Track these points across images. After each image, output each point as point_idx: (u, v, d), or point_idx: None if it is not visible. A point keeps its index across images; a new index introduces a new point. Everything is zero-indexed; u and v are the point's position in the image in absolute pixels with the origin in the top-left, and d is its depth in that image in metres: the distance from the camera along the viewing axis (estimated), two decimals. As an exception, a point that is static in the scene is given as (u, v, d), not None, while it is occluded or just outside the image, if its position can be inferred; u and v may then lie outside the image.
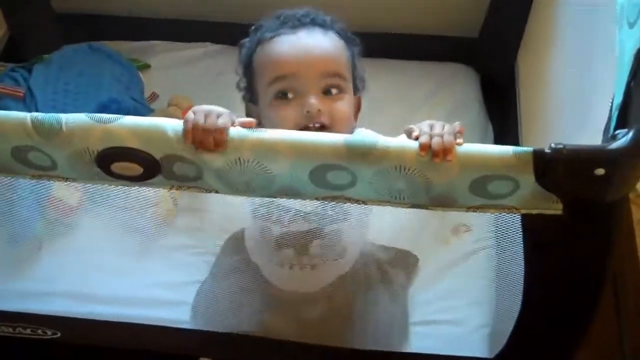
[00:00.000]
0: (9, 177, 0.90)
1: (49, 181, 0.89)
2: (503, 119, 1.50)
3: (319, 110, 0.99)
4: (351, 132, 1.05)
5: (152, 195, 1.04)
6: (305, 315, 1.15)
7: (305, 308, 1.15)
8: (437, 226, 1.34)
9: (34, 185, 1.12)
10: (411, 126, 0.83)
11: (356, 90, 1.09)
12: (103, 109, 1.45)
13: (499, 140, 1.46)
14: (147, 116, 1.44)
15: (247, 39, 1.09)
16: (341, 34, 1.07)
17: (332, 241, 1.06)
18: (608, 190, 0.77)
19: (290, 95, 1.01)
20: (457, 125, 0.81)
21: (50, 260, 1.34)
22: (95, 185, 0.89)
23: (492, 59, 1.56)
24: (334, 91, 1.01)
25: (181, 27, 1.70)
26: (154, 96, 1.61)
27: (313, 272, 1.09)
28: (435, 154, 0.77)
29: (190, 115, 0.81)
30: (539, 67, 1.35)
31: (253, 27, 1.09)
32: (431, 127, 0.80)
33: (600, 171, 0.74)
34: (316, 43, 1.03)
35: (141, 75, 1.65)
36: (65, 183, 0.89)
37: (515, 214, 0.84)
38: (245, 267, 1.15)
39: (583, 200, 0.79)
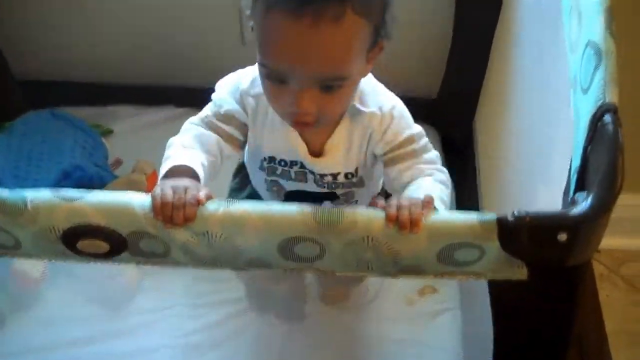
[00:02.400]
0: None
1: (12, 258, 0.88)
2: (464, 178, 1.52)
3: (309, 109, 0.89)
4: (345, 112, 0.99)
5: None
6: None
7: None
8: (402, 287, 1.36)
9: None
10: (377, 196, 0.83)
11: (379, 39, 0.91)
12: (66, 175, 1.45)
13: (459, 200, 1.48)
14: (110, 182, 1.47)
15: None
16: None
17: (345, 201, 1.05)
18: (571, 255, 0.78)
19: (284, 85, 0.88)
20: (426, 197, 0.81)
21: (14, 335, 1.31)
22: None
23: (451, 118, 1.59)
24: (335, 88, 0.88)
25: (143, 91, 1.72)
26: (117, 162, 1.61)
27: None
28: (402, 226, 0.77)
29: (157, 190, 0.81)
30: (496, 127, 1.38)
31: None
32: (398, 201, 0.79)
33: (563, 236, 0.76)
34: (319, 43, 0.83)
35: (104, 140, 1.65)
36: (29, 260, 0.88)
37: (482, 280, 0.85)
38: None
39: (547, 265, 0.80)
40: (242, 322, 1.35)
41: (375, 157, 1.03)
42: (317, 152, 1.01)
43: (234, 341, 1.33)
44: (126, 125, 1.69)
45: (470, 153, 1.51)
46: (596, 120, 0.79)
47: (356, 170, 1.03)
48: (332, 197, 1.06)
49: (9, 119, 1.61)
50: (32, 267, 1.34)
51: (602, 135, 0.77)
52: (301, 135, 1.00)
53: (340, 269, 0.84)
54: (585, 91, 0.83)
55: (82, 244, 0.82)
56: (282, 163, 1.03)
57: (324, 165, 1.02)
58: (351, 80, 0.90)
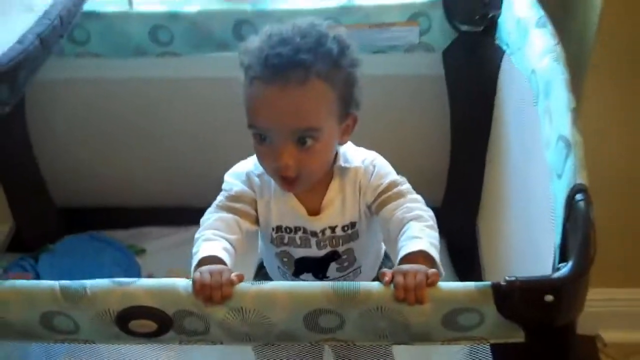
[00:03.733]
0: (35, 342, 1.00)
1: (72, 344, 1.00)
2: (471, 277, 1.64)
3: (288, 164, 1.04)
4: (329, 167, 1.13)
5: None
6: None
7: None
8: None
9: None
10: (384, 270, 0.95)
11: (349, 111, 1.09)
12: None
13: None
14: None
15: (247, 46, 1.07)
16: (327, 67, 1.03)
17: (347, 260, 1.16)
18: (558, 314, 0.90)
19: (266, 141, 1.05)
20: (431, 272, 0.92)
21: None
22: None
23: (456, 224, 1.72)
24: (308, 142, 1.04)
25: (172, 213, 1.87)
26: (149, 276, 1.74)
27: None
28: (410, 302, 0.89)
29: (196, 275, 0.94)
30: (494, 224, 1.51)
31: (246, 46, 1.07)
32: (404, 275, 0.91)
33: (549, 297, 0.88)
34: (288, 102, 1.01)
35: (137, 259, 1.79)
36: (86, 345, 1.00)
37: (485, 344, 0.96)
38: None
39: (539, 325, 0.92)
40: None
41: (369, 210, 1.15)
42: (315, 212, 1.15)
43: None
44: (158, 245, 1.84)
45: (474, 253, 1.63)
46: (570, 200, 0.93)
47: (352, 223, 1.16)
48: (335, 256, 1.18)
49: (50, 242, 1.76)
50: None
51: (576, 212, 0.91)
52: (299, 199, 1.14)
53: (360, 338, 0.95)
54: (559, 177, 0.97)
55: (133, 324, 0.94)
56: (288, 230, 1.16)
57: (322, 222, 1.15)
58: (322, 138, 1.05)
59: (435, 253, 1.01)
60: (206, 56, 1.58)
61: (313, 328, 0.94)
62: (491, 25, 1.44)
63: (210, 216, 1.14)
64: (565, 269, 0.88)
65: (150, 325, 0.94)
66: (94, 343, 0.99)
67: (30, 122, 1.72)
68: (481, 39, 1.48)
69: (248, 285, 0.94)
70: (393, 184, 1.14)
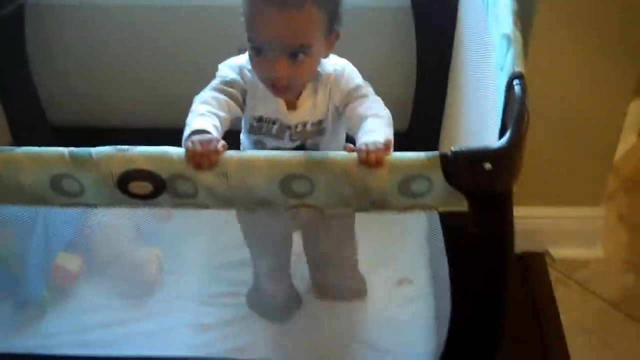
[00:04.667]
0: (43, 207, 1.14)
1: (75, 208, 1.14)
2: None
3: (281, 75, 1.20)
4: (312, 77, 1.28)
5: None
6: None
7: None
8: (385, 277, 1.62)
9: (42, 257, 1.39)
10: (347, 144, 1.11)
11: (333, 27, 1.24)
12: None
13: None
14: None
15: None
16: None
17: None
18: (496, 181, 1.06)
19: (261, 54, 1.20)
20: (386, 140, 1.10)
21: (54, 320, 1.56)
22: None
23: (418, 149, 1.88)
24: (300, 56, 1.19)
25: (165, 134, 1.99)
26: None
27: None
28: (370, 165, 1.05)
29: (189, 144, 1.08)
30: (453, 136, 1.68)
31: None
32: (366, 144, 1.08)
33: (488, 165, 1.03)
34: (286, 22, 1.16)
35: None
36: (89, 209, 1.14)
37: (434, 212, 1.12)
38: None
39: (480, 193, 1.08)
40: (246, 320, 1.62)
41: (337, 110, 1.32)
42: (292, 108, 1.31)
43: (240, 322, 1.58)
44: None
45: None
46: (509, 86, 1.09)
47: (320, 121, 1.32)
48: (303, 149, 1.33)
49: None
50: (70, 262, 1.60)
51: (513, 95, 1.07)
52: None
53: (327, 203, 1.10)
54: (502, 69, 1.13)
55: (132, 186, 1.09)
56: (267, 121, 1.31)
57: (296, 117, 1.31)
58: (312, 53, 1.20)
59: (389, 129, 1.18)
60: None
61: (288, 192, 1.09)
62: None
63: (206, 94, 1.27)
64: (502, 140, 1.03)
65: (147, 187, 1.09)
66: (97, 207, 1.14)
67: (28, 42, 1.84)
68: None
69: (232, 153, 1.09)
70: (358, 87, 1.30)
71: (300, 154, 1.07)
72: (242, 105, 1.31)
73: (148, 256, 1.66)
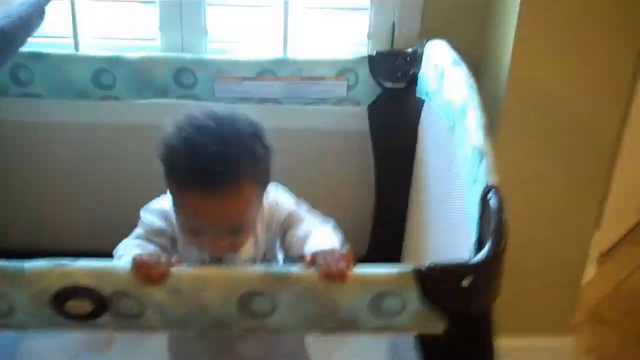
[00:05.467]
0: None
1: (3, 331, 1.01)
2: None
3: (222, 251, 1.14)
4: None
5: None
6: None
7: None
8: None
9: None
10: (304, 253, 1.02)
11: (266, 185, 1.17)
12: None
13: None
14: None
15: (167, 139, 1.10)
16: (253, 168, 1.09)
17: None
18: (476, 297, 0.97)
19: (200, 235, 1.11)
20: (345, 250, 1.01)
21: None
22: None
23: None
24: (241, 229, 1.13)
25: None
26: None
27: None
28: (333, 277, 0.96)
29: (136, 255, 0.98)
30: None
31: (168, 141, 1.10)
32: (323, 254, 0.99)
33: (467, 281, 0.95)
34: (224, 209, 1.08)
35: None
36: (19, 332, 1.01)
37: (410, 334, 1.02)
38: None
39: (459, 311, 0.98)
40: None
41: (277, 243, 1.24)
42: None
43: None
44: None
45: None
46: (484, 199, 1.02)
47: (265, 256, 1.25)
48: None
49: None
50: None
51: (489, 208, 1.00)
52: None
53: (291, 325, 0.99)
54: (474, 182, 1.07)
55: (69, 305, 0.97)
56: (212, 260, 1.17)
57: (241, 258, 1.20)
58: (252, 220, 1.15)
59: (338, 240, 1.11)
60: (146, 102, 1.65)
61: (246, 313, 0.98)
62: (412, 81, 1.58)
63: (130, 242, 1.18)
64: (481, 253, 0.96)
65: (86, 307, 0.97)
66: (27, 329, 1.00)
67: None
68: (403, 94, 1.61)
69: (185, 267, 0.98)
70: (291, 213, 1.23)
71: (261, 268, 0.98)
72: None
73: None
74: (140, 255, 0.98)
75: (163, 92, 1.63)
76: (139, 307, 0.98)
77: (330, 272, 0.96)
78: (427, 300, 0.97)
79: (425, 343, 1.04)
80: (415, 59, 1.56)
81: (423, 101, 1.52)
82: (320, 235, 1.14)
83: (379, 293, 0.97)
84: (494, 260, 0.96)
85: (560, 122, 1.56)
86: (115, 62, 1.60)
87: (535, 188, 1.64)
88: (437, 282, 0.96)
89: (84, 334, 1.56)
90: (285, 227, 1.22)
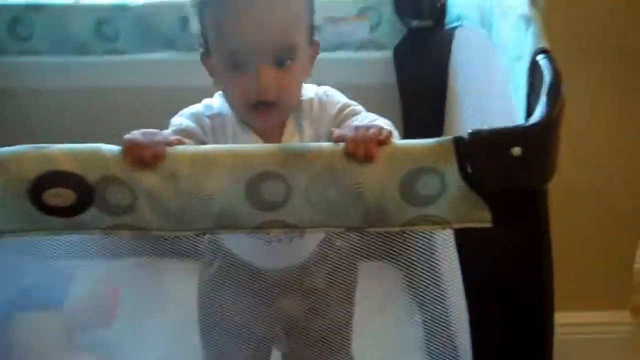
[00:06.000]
0: None
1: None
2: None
3: (269, 86, 0.98)
4: (299, 99, 1.06)
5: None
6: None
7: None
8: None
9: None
10: (335, 130, 0.87)
11: (313, 37, 1.06)
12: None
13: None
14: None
15: None
16: None
17: None
18: (527, 174, 0.81)
19: (242, 68, 0.98)
20: (385, 131, 0.84)
21: None
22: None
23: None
24: (287, 62, 0.99)
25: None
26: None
27: (300, 240, 1.09)
28: (358, 156, 0.81)
29: (127, 135, 0.84)
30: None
31: None
32: (355, 129, 0.84)
33: (517, 150, 0.79)
34: (269, 15, 0.97)
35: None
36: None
37: (447, 228, 0.86)
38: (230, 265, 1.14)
39: (506, 194, 0.82)
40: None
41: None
42: None
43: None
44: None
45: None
46: (533, 64, 0.87)
47: None
48: None
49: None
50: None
51: (539, 72, 0.85)
52: (260, 136, 1.05)
53: (308, 216, 0.84)
54: (518, 58, 0.92)
55: (48, 195, 0.82)
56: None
57: None
58: (300, 57, 1.01)
59: (392, 128, 0.93)
60: (152, 58, 1.54)
61: (256, 202, 0.83)
62: (441, 16, 1.44)
63: None
64: (534, 117, 0.80)
65: (68, 196, 0.82)
66: (2, 233, 0.86)
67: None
68: (431, 33, 1.48)
69: (184, 148, 0.84)
70: (346, 106, 1.08)
71: (274, 146, 0.83)
72: None
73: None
74: (130, 134, 0.83)
75: (169, 44, 1.51)
76: (129, 198, 0.83)
77: (355, 148, 0.81)
78: (469, 179, 0.81)
79: (467, 246, 0.87)
80: (442, -11, 1.43)
81: (454, 30, 1.38)
82: (368, 117, 0.99)
83: (413, 170, 0.81)
84: (549, 125, 0.80)
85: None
86: (118, 11, 1.50)
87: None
88: (481, 152, 0.80)
89: (83, 306, 1.43)
90: (337, 120, 1.06)
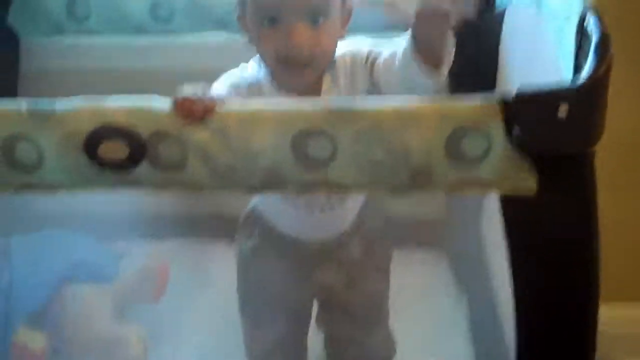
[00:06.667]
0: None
1: (30, 193, 0.89)
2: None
3: (302, 43, 1.01)
4: (332, 59, 1.08)
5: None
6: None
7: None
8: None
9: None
10: None
11: (346, 4, 1.08)
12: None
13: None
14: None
15: None
16: None
17: None
18: (575, 136, 0.81)
19: (276, 24, 1.01)
20: None
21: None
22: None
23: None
24: (320, 19, 1.02)
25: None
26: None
27: (341, 210, 1.13)
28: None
29: (177, 93, 0.86)
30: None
31: None
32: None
33: (564, 109, 0.79)
34: None
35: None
36: (47, 195, 0.89)
37: (492, 191, 0.86)
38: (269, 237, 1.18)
39: (551, 154, 0.82)
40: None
41: (371, 87, 1.08)
42: None
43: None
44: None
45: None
46: (581, 25, 0.87)
47: None
48: None
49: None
50: (32, 340, 1.30)
51: (586, 32, 0.85)
52: (298, 93, 1.07)
53: (354, 177, 0.85)
54: (567, 18, 0.92)
55: (103, 148, 0.85)
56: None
57: None
58: (332, 15, 1.03)
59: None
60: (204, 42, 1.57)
61: (302, 159, 0.84)
62: (491, 1, 1.44)
63: None
64: (581, 76, 0.80)
65: (122, 150, 0.85)
66: (57, 188, 0.89)
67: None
68: (481, 17, 1.47)
69: (232, 104, 0.86)
70: (373, 49, 1.08)
71: (317, 102, 0.84)
72: None
73: (130, 337, 1.35)
74: (179, 94, 0.85)
75: (222, 25, 1.54)
76: (180, 153, 0.85)
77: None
78: (515, 139, 0.81)
79: (513, 215, 0.86)
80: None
81: (503, 12, 1.37)
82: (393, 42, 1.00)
83: (458, 129, 0.82)
84: (596, 83, 0.79)
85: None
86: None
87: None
88: (528, 111, 0.80)
89: (132, 282, 1.47)
90: (370, 62, 1.07)
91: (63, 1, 1.54)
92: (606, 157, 0.86)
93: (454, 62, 1.54)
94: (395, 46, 1.01)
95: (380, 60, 1.05)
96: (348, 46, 1.11)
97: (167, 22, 1.55)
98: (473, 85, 1.48)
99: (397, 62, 0.98)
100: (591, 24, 0.84)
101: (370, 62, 1.07)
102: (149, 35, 1.56)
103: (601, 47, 0.80)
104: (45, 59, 1.57)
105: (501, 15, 1.38)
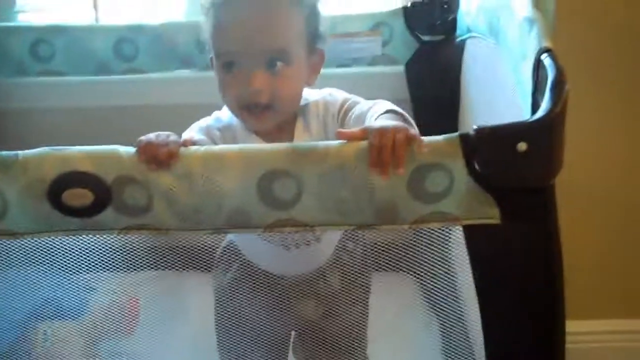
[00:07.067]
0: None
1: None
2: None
3: (259, 89, 1.01)
4: (297, 104, 1.08)
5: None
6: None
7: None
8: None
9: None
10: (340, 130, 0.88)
11: (315, 46, 1.08)
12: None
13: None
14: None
15: None
16: None
17: None
18: (534, 170, 0.82)
19: (234, 69, 1.02)
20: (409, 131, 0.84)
21: None
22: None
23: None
24: (279, 64, 1.01)
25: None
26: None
27: (318, 245, 1.13)
28: (384, 162, 0.82)
29: (141, 137, 0.86)
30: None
31: None
32: (380, 134, 0.83)
33: (522, 146, 0.81)
34: (259, 19, 1.00)
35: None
36: (11, 240, 0.89)
37: (457, 225, 0.87)
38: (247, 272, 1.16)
39: (512, 189, 0.84)
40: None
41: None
42: None
43: None
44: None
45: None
46: (537, 64, 0.89)
47: None
48: None
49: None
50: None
51: (543, 70, 0.87)
52: (269, 142, 1.05)
53: (319, 214, 0.86)
54: (524, 57, 0.94)
55: (67, 195, 0.85)
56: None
57: None
58: (293, 61, 1.03)
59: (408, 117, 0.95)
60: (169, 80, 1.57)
61: (268, 200, 0.85)
62: (452, 29, 1.47)
63: None
64: (537, 113, 0.82)
65: (86, 196, 0.85)
66: (22, 234, 0.88)
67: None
68: (443, 46, 1.50)
69: (196, 148, 0.86)
70: (346, 100, 1.09)
71: (282, 144, 0.85)
72: None
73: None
74: (145, 136, 0.86)
75: (186, 62, 1.55)
76: (145, 198, 0.85)
77: (382, 158, 0.82)
78: (476, 175, 0.83)
79: (477, 244, 0.88)
80: (454, 3, 1.46)
81: (464, 42, 1.40)
82: (383, 106, 0.99)
83: (420, 166, 0.83)
84: (553, 120, 0.81)
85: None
86: (136, 30, 1.54)
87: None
88: (487, 148, 0.82)
89: (102, 316, 1.45)
90: (342, 114, 1.08)
91: (27, 42, 1.53)
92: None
93: (416, 89, 1.58)
94: (371, 102, 1.03)
95: (353, 113, 1.05)
96: (323, 93, 1.12)
97: (131, 60, 1.55)
98: (436, 114, 1.52)
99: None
100: (547, 61, 0.86)
101: (343, 112, 1.08)
102: (113, 74, 1.56)
103: (557, 85, 0.83)
104: (10, 98, 1.56)
105: (462, 46, 1.41)
